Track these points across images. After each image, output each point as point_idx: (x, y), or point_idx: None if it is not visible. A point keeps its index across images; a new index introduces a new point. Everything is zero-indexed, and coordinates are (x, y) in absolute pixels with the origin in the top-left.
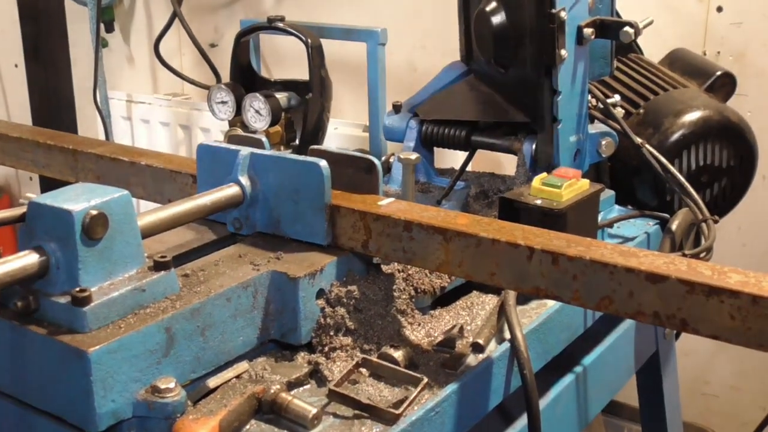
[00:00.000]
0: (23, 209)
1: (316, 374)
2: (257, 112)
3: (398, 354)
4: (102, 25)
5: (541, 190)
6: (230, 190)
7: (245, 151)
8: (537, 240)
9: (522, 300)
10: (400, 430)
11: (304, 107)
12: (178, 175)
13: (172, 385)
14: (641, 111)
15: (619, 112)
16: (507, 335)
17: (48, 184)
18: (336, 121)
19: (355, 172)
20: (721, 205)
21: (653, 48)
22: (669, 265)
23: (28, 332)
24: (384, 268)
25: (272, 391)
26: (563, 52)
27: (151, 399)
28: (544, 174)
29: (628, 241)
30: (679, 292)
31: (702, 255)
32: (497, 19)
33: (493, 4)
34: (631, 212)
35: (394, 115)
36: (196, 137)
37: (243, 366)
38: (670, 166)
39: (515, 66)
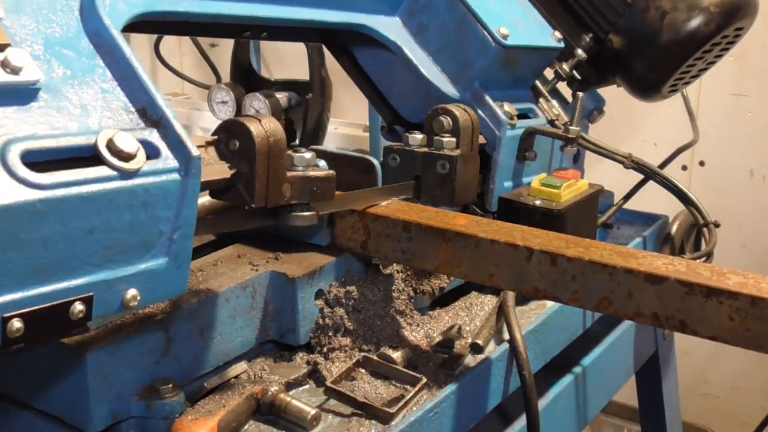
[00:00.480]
0: None
1: (314, 375)
2: (257, 112)
3: (397, 354)
4: None
5: (540, 190)
6: None
7: None
8: (536, 241)
9: (521, 301)
10: (399, 431)
11: (304, 107)
12: None
13: (170, 385)
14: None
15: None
16: (506, 336)
17: None
18: (336, 121)
19: (355, 172)
20: None
21: None
22: (668, 266)
23: None
24: (383, 268)
25: (271, 391)
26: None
27: (150, 399)
28: (544, 174)
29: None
30: (678, 293)
31: (702, 260)
32: None
33: None
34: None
35: None
36: None
37: (242, 366)
38: (664, 174)
39: None
